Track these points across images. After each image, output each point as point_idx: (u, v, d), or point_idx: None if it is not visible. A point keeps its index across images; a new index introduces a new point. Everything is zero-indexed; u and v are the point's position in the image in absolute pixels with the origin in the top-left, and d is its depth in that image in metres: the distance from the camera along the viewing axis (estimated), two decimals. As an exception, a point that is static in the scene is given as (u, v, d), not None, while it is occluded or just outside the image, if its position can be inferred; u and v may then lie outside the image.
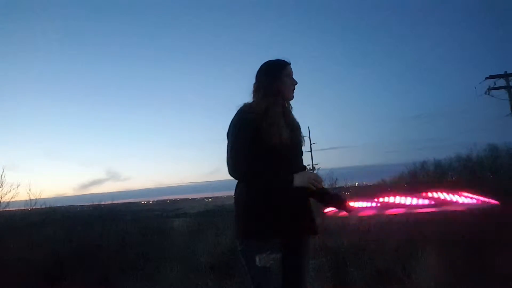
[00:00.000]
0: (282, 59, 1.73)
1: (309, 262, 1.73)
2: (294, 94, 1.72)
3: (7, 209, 6.32)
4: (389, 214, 1.76)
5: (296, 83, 1.72)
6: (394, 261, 3.99)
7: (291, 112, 1.75)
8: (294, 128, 1.72)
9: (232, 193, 1.70)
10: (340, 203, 1.71)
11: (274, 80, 1.66)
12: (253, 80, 1.74)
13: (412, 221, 6.23)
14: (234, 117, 1.64)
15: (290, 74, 1.71)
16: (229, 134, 1.63)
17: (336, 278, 3.83)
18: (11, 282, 4.16)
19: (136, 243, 6.69)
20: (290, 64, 1.72)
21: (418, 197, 1.75)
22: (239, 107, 1.66)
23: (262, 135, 1.56)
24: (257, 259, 1.52)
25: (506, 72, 14.70)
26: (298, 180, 1.55)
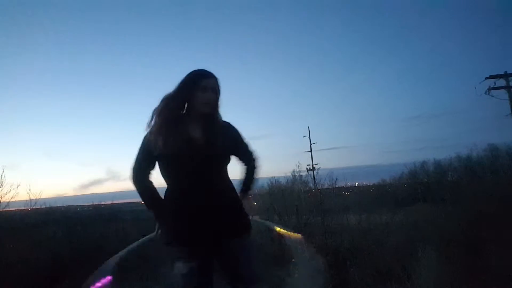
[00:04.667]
0: (205, 70, 1.57)
1: (250, 261, 1.62)
2: (210, 108, 1.53)
3: (7, 209, 6.32)
4: None
5: (213, 97, 1.54)
6: (394, 261, 3.99)
7: (212, 125, 1.55)
8: (210, 139, 1.52)
9: None
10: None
11: (185, 91, 1.53)
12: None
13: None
14: None
15: (206, 87, 1.52)
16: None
17: (336, 278, 3.83)
18: (12, 282, 4.16)
19: (136, 243, 6.68)
20: (212, 77, 1.55)
21: None
22: None
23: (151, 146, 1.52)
24: (175, 266, 1.52)
25: (506, 72, 14.66)
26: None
